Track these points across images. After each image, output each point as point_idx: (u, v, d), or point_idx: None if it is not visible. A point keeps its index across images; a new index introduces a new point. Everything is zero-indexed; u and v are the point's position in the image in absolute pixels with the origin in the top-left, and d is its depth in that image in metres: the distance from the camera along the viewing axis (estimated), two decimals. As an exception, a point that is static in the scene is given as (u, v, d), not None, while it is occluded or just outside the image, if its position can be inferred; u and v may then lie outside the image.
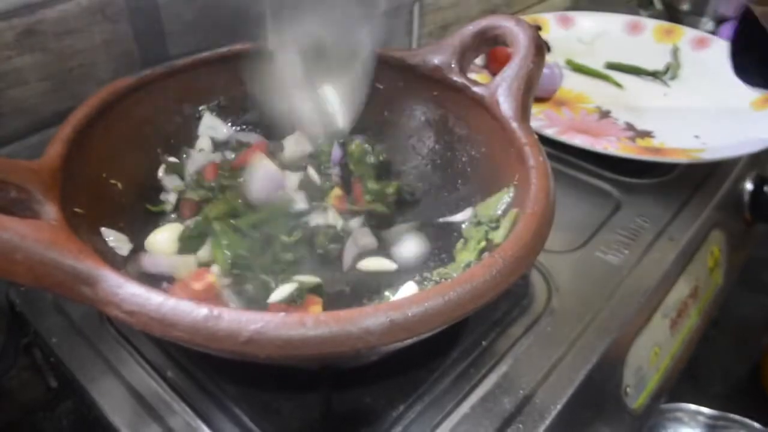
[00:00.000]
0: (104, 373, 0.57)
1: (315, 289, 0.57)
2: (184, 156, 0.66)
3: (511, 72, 0.60)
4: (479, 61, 1.02)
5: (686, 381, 0.85)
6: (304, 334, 0.36)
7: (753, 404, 1.06)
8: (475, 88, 0.63)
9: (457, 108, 0.67)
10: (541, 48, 0.61)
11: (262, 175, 0.64)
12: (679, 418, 0.84)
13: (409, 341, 0.40)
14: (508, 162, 0.59)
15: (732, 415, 0.87)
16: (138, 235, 0.58)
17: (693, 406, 0.85)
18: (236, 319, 0.36)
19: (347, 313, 0.37)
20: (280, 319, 0.36)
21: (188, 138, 0.69)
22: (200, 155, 0.67)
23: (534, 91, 0.61)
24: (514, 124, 0.58)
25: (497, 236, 0.55)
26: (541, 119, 0.93)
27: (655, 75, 1.06)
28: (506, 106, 0.59)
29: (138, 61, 0.73)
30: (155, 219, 0.63)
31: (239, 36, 0.71)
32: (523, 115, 0.59)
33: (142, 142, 0.63)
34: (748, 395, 1.10)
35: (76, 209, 0.49)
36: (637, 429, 0.70)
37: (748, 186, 0.94)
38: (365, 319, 0.37)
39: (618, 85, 1.05)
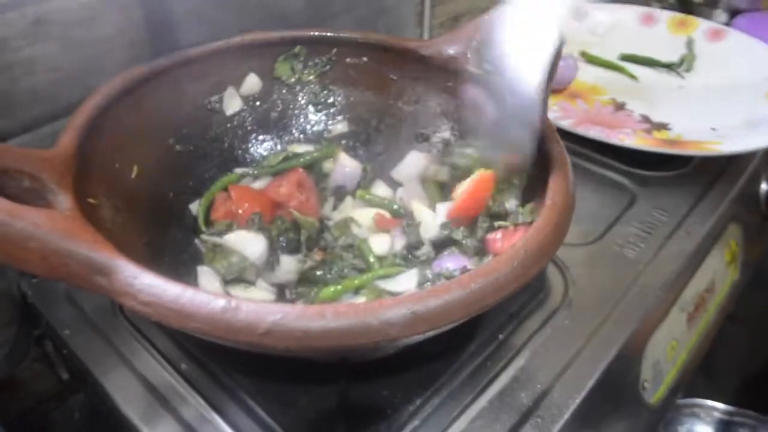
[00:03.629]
0: (117, 365, 0.57)
1: None
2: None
3: (528, 62, 0.59)
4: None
5: (701, 376, 0.84)
6: (324, 326, 0.35)
7: (768, 400, 1.05)
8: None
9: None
10: (559, 37, 0.60)
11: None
12: (695, 413, 0.83)
13: (430, 334, 0.39)
14: (526, 153, 0.58)
15: (748, 411, 0.85)
16: (150, 226, 0.58)
17: (709, 402, 0.84)
18: (254, 311, 0.36)
19: (368, 305, 0.37)
20: (300, 310, 0.36)
21: (201, 128, 0.68)
22: None
23: (551, 81, 0.60)
24: (532, 115, 0.57)
25: None
26: (556, 111, 0.92)
27: (670, 67, 1.05)
28: (523, 96, 0.58)
29: (149, 51, 0.72)
30: (169, 210, 0.63)
31: (250, 26, 0.70)
32: (541, 105, 0.58)
33: (155, 131, 0.63)
34: (764, 391, 1.08)
35: (90, 199, 0.49)
36: (654, 424, 0.70)
37: (766, 179, 0.93)
38: (386, 311, 0.36)
39: (633, 77, 1.04)
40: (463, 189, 0.61)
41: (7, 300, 0.65)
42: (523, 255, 0.42)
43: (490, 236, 0.58)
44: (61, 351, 0.64)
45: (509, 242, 0.54)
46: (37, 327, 0.68)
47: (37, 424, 0.74)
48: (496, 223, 0.58)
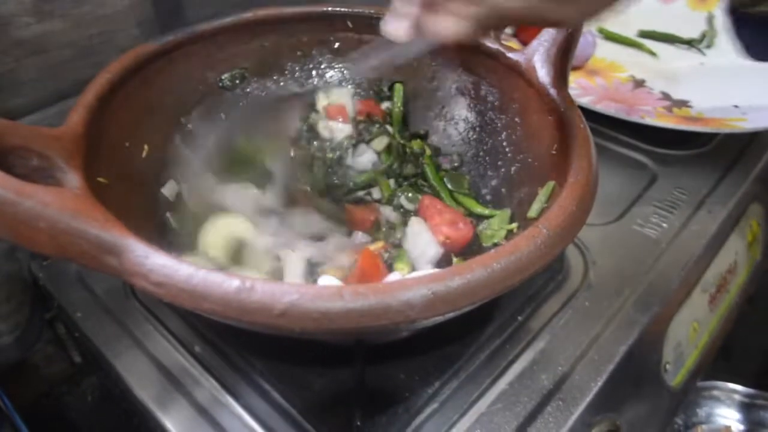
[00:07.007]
0: (130, 347, 0.56)
1: None
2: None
3: (548, 37, 0.58)
4: (508, 29, 0.99)
5: (721, 359, 0.82)
6: (342, 307, 0.34)
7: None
8: (511, 54, 0.61)
9: (490, 75, 0.65)
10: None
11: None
12: (715, 396, 0.82)
13: (450, 315, 0.38)
14: (546, 131, 0.56)
15: (768, 394, 0.84)
16: (160, 206, 0.57)
17: (729, 385, 0.83)
18: (270, 291, 0.35)
19: (387, 286, 0.35)
20: (316, 290, 0.35)
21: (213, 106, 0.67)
22: None
23: (572, 56, 0.58)
24: (553, 91, 0.55)
25: (533, 211, 0.53)
26: (575, 88, 0.89)
27: (690, 43, 1.02)
28: (544, 72, 0.57)
29: (159, 28, 0.71)
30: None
31: (257, 3, 0.69)
32: (562, 81, 0.57)
33: (165, 110, 0.61)
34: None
35: (100, 179, 0.48)
36: (675, 407, 0.68)
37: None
38: (406, 292, 0.35)
39: (652, 53, 1.02)
40: None
41: (18, 282, 0.64)
42: (546, 234, 0.40)
43: None
44: (73, 334, 0.63)
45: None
46: (49, 310, 0.68)
47: (51, 408, 0.74)
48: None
